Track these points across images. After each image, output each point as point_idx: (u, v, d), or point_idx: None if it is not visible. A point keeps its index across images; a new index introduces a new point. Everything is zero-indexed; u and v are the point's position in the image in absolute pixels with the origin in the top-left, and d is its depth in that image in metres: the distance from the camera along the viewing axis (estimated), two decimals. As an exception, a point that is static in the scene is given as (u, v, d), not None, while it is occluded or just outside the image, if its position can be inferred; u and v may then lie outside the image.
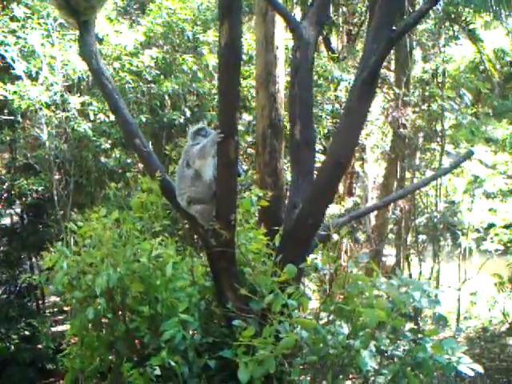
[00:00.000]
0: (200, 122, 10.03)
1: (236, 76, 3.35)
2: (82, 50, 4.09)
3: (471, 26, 12.24)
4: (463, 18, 11.66)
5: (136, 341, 3.78)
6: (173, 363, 3.28)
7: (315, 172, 4.35)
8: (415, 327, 3.52)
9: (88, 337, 3.83)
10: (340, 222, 4.49)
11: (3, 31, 8.60)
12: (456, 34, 12.12)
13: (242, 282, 3.68)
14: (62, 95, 8.87)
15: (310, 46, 4.21)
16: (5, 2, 9.31)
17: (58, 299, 10.03)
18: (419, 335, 3.41)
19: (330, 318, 3.54)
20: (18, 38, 8.68)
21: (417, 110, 12.12)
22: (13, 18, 8.76)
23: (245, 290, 3.42)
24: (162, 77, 9.68)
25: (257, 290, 3.57)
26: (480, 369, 3.23)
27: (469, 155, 4.60)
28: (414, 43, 12.59)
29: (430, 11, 10.41)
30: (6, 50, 8.65)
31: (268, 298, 3.36)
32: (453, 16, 11.39)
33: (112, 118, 8.86)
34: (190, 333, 3.43)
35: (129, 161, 9.65)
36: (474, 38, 12.63)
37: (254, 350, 3.20)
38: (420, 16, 3.82)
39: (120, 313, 3.79)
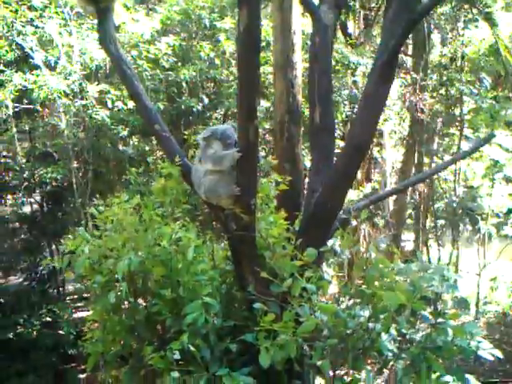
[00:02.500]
0: (217, 110, 10.08)
1: (255, 61, 3.34)
2: (102, 37, 4.11)
3: (488, 10, 12.07)
4: (481, 0, 11.50)
5: (157, 325, 3.81)
6: (192, 348, 3.30)
7: (335, 157, 4.35)
8: (436, 310, 3.51)
9: (109, 321, 3.87)
10: (360, 205, 4.50)
11: (21, 21, 8.66)
12: (475, 16, 11.97)
13: (263, 266, 3.69)
14: (79, 84, 8.93)
15: (328, 29, 4.19)
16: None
17: (78, 286, 10.17)
18: (440, 319, 3.40)
19: (351, 301, 3.54)
20: (36, 27, 8.74)
21: (435, 94, 12.03)
22: (31, 8, 8.81)
23: (265, 273, 3.43)
24: (179, 64, 9.69)
25: (277, 273, 3.59)
26: (499, 354, 3.23)
27: (490, 138, 4.57)
28: (432, 27, 12.46)
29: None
30: (24, 40, 8.72)
31: (287, 282, 3.38)
32: (471, -1, 11.25)
33: (130, 105, 8.92)
34: (212, 316, 3.45)
35: (147, 148, 9.71)
36: (490, 21, 12.45)
37: (275, 334, 3.22)
38: (440, -3, 3.77)
39: (141, 297, 3.82)
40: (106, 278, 3.77)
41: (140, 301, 3.86)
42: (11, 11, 8.64)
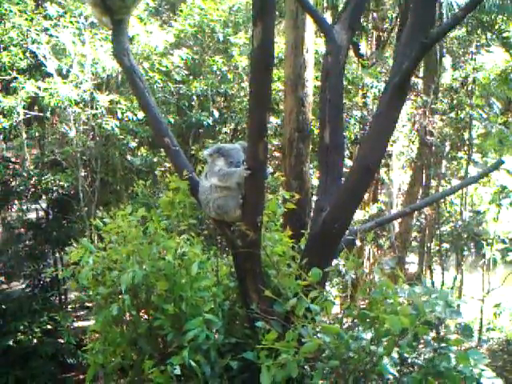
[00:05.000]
0: (227, 124, 10.10)
1: (268, 78, 3.34)
2: (115, 48, 4.12)
3: (505, 34, 12.10)
4: (497, 26, 11.52)
5: (159, 339, 3.79)
6: (193, 363, 3.28)
7: (343, 177, 4.33)
8: (439, 336, 3.47)
9: (111, 333, 3.85)
10: (366, 227, 4.48)
11: (36, 29, 8.74)
12: (488, 41, 11.99)
13: (267, 284, 3.67)
14: (90, 93, 8.96)
15: (341, 50, 4.19)
16: (39, 1, 9.44)
17: (80, 294, 10.12)
18: (443, 344, 3.37)
19: (353, 323, 3.52)
20: (51, 36, 8.82)
21: (444, 117, 12.04)
22: (46, 17, 8.90)
23: (269, 291, 3.42)
24: (190, 77, 9.72)
25: (281, 292, 3.57)
26: (501, 383, 3.19)
27: (499, 164, 4.55)
28: (444, 50, 12.48)
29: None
30: (38, 48, 8.79)
31: (291, 302, 3.35)
32: (486, 24, 11.26)
33: (139, 116, 8.94)
34: (213, 332, 3.43)
35: (155, 160, 9.72)
36: (508, 46, 12.47)
37: (277, 354, 3.19)
38: (455, 22, 3.77)
39: (144, 310, 3.81)
40: (109, 290, 3.76)
41: (142, 314, 3.85)
42: (26, 19, 8.72)
